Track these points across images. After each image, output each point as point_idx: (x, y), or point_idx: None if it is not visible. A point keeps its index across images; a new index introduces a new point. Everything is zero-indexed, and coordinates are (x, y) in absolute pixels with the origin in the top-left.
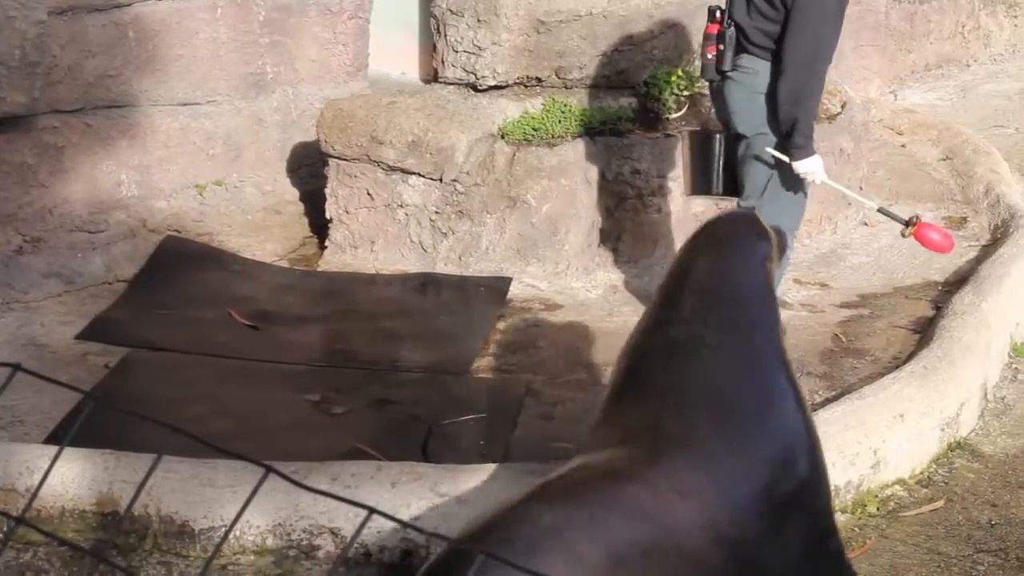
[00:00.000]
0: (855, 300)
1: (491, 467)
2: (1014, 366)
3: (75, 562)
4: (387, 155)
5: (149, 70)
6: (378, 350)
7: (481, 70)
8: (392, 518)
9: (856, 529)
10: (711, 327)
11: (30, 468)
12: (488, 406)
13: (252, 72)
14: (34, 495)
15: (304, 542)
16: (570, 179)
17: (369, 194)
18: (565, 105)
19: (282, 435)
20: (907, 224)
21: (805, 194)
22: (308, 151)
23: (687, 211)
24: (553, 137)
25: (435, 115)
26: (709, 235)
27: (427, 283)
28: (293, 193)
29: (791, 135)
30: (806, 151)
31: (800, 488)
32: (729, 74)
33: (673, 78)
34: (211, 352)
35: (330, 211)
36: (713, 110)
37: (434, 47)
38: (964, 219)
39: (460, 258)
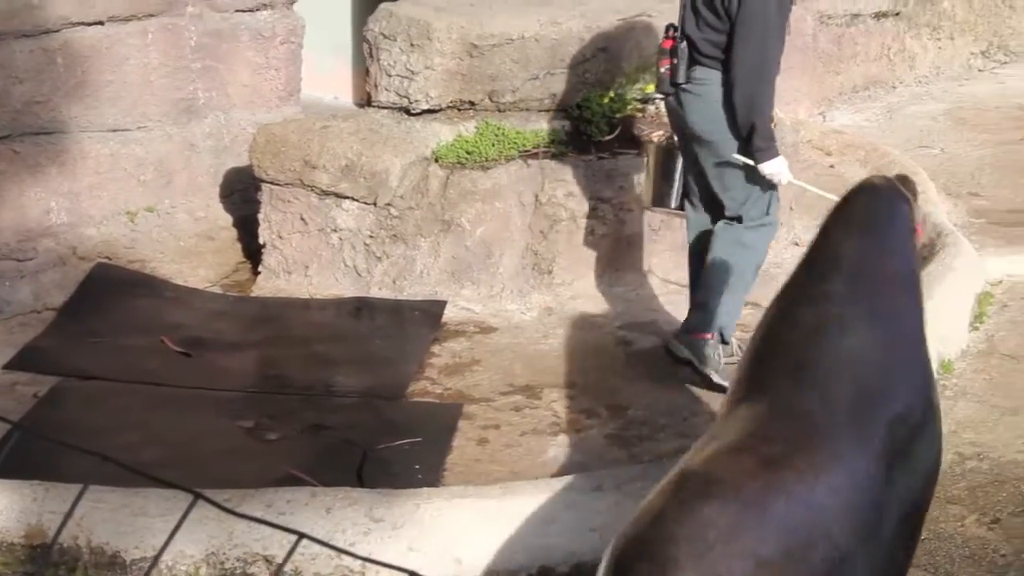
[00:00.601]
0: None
1: (427, 491)
2: (942, 382)
3: None
4: (320, 179)
5: (78, 96)
6: (312, 375)
7: (414, 94)
8: (322, 543)
9: None
10: (860, 310)
11: None
12: (423, 430)
13: (183, 97)
14: None
15: (238, 570)
16: (504, 202)
17: (303, 219)
18: (498, 128)
19: (215, 462)
20: None
21: (777, 195)
22: (241, 176)
23: (621, 232)
24: (487, 160)
25: (368, 139)
26: (859, 210)
27: (361, 307)
28: (226, 219)
29: (751, 139)
30: (769, 153)
31: (927, 484)
32: (684, 86)
33: (606, 100)
34: (143, 380)
35: (263, 236)
36: (672, 123)
37: (367, 71)
38: None
39: (394, 282)
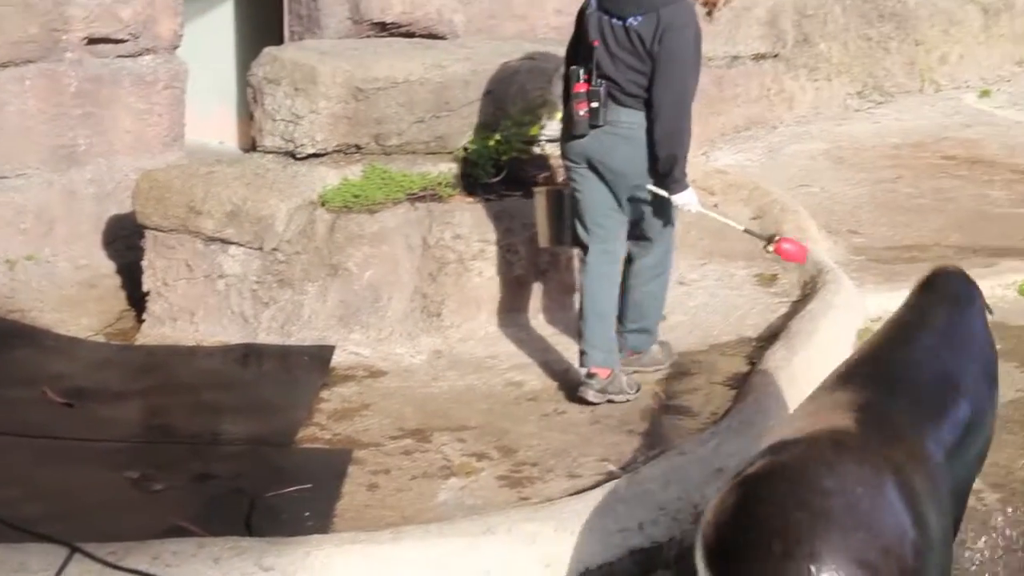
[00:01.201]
0: (675, 358)
1: (316, 538)
2: None
3: None
4: (206, 225)
5: None
6: (199, 424)
7: (300, 138)
8: None
9: None
10: (945, 348)
11: None
12: (312, 477)
13: (64, 144)
14: None
15: None
16: (392, 245)
17: (188, 265)
18: (385, 171)
19: (100, 515)
20: (768, 241)
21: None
22: (124, 223)
23: (509, 274)
24: (374, 204)
25: (254, 184)
26: (944, 285)
27: (249, 354)
28: (109, 266)
29: (671, 172)
30: (683, 184)
31: (976, 465)
32: (605, 127)
33: (492, 143)
34: (24, 432)
35: (147, 283)
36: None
37: (252, 116)
38: (775, 276)
39: (282, 327)
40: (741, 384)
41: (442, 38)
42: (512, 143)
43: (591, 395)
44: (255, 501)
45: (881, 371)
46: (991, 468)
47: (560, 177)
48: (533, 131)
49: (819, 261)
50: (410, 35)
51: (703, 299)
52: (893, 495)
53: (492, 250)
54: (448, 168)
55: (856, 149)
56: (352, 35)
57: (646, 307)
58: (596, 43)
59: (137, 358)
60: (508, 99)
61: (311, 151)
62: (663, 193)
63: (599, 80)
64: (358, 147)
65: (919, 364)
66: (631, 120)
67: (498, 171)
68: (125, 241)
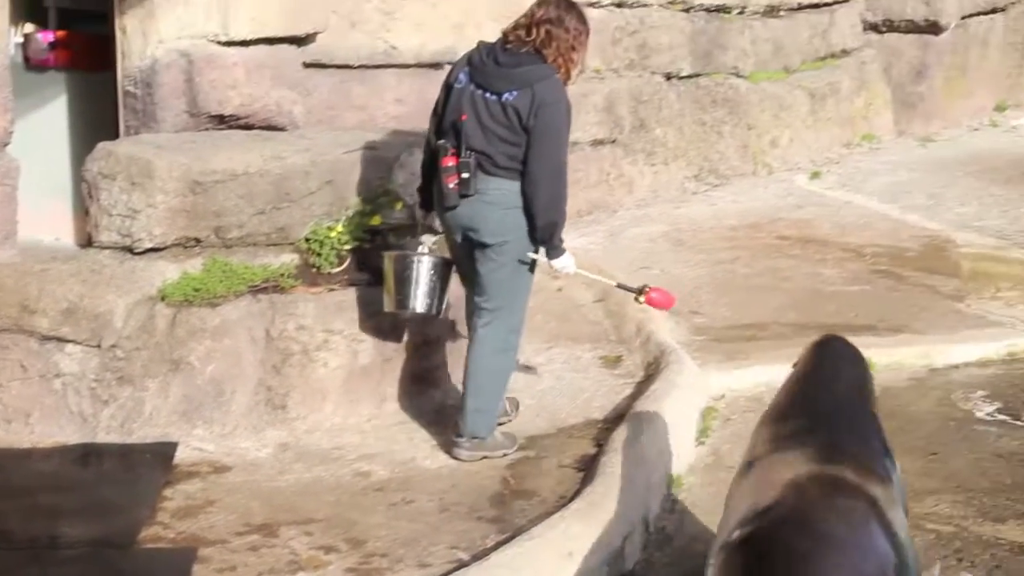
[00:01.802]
0: (522, 442)
1: None
2: (672, 497)
3: None
4: (40, 324)
5: None
6: (36, 528)
7: (137, 233)
8: None
9: None
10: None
11: None
12: None
13: None
14: None
15: None
16: (234, 338)
17: (22, 366)
18: (226, 264)
19: None
20: (639, 292)
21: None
22: None
23: (354, 364)
24: (215, 297)
25: (90, 280)
26: (836, 346)
27: (88, 453)
28: None
29: (551, 239)
30: (560, 250)
31: None
32: (476, 197)
33: (333, 233)
34: None
35: None
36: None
37: (87, 211)
38: (619, 358)
39: (123, 425)
40: (589, 466)
41: (282, 129)
42: (354, 232)
43: (464, 455)
44: None
45: (816, 411)
46: None
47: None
48: (375, 220)
49: (662, 342)
50: (249, 127)
51: (550, 382)
52: (876, 529)
53: (337, 340)
54: (290, 259)
55: (695, 231)
56: (190, 128)
57: (486, 386)
58: (465, 117)
59: None
60: (349, 189)
61: (149, 245)
62: (543, 259)
63: (468, 152)
64: (198, 240)
65: (841, 401)
66: (501, 188)
67: (341, 261)
68: None
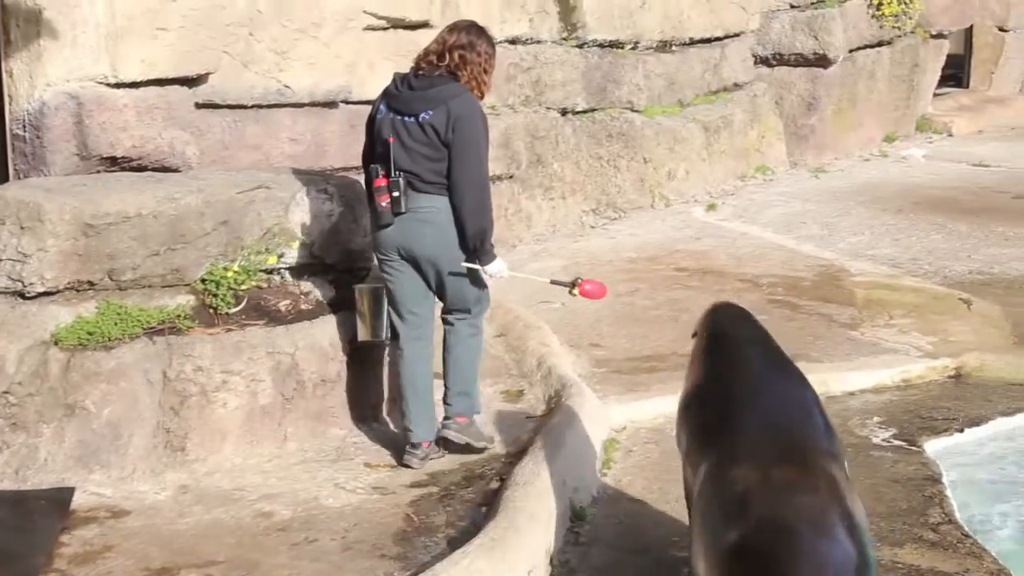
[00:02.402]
0: (424, 479)
1: None
2: (575, 530)
3: None
4: None
5: None
6: None
7: (28, 277)
8: None
9: None
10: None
11: None
12: None
13: None
14: None
15: None
16: (130, 381)
17: None
18: (120, 307)
19: None
20: (572, 286)
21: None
22: None
23: (254, 403)
24: (110, 340)
25: None
26: (727, 315)
27: None
28: None
29: (482, 245)
30: (492, 255)
31: None
32: (408, 215)
33: (230, 273)
34: None
35: None
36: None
37: None
38: (521, 392)
39: (16, 472)
40: (492, 501)
41: (175, 170)
42: (251, 272)
43: (415, 463)
44: None
45: (743, 394)
46: None
47: (303, 305)
48: (271, 260)
49: (563, 375)
50: (142, 169)
51: None
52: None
53: (236, 380)
54: (187, 300)
55: (594, 264)
56: (81, 171)
57: (466, 367)
58: (391, 140)
59: None
60: (244, 228)
61: (41, 289)
62: (476, 267)
63: (397, 172)
64: (91, 283)
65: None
66: (431, 205)
67: (238, 301)
68: None
